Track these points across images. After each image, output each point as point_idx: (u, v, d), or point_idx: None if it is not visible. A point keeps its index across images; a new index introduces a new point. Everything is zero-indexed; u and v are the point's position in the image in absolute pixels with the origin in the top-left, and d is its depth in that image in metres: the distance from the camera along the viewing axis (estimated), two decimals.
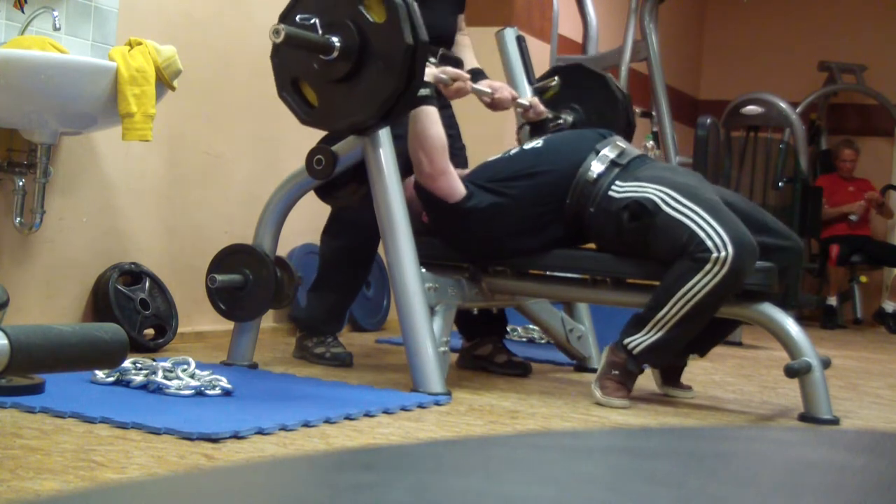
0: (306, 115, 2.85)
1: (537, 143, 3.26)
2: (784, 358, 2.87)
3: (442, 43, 3.63)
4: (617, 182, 3.02)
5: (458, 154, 3.96)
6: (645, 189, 2.96)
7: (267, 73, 2.93)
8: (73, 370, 1.60)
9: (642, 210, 2.92)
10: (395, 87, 2.72)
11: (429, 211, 3.17)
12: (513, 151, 3.30)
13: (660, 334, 2.86)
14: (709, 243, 2.79)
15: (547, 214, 3.10)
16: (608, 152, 3.09)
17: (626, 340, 2.92)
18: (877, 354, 5.56)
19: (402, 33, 2.70)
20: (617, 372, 2.92)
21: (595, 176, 3.05)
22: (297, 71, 2.84)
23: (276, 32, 2.64)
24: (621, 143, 3.15)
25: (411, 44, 2.70)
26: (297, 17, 2.77)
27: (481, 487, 0.39)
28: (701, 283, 2.79)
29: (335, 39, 2.74)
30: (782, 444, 0.50)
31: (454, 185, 3.09)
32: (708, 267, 2.78)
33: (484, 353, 3.57)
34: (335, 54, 2.74)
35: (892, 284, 7.48)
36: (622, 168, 3.05)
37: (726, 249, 2.77)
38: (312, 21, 2.76)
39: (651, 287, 3.16)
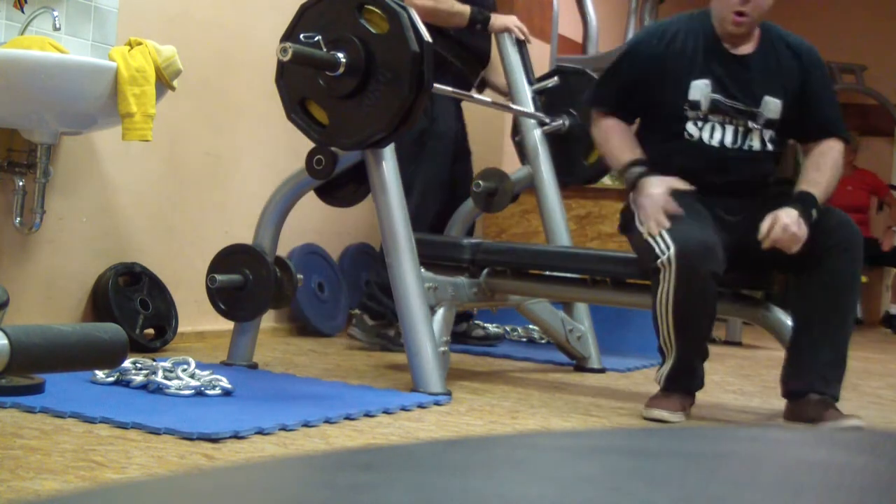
0: (318, 134, 2.85)
1: None
2: (784, 358, 2.87)
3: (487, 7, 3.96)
4: None
5: (464, 159, 4.06)
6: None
7: (267, 73, 2.93)
8: (73, 370, 1.60)
9: (624, 222, 2.90)
10: (404, 98, 2.71)
11: None
12: None
13: (672, 356, 2.76)
14: (656, 250, 2.69)
15: None
16: None
17: (657, 373, 2.84)
18: (877, 354, 5.56)
19: (407, 42, 2.69)
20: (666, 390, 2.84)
21: None
22: (304, 91, 2.83)
23: (284, 51, 2.64)
24: None
25: (417, 51, 2.69)
26: (301, 36, 2.76)
27: (481, 487, 0.39)
28: (662, 293, 2.68)
29: (340, 55, 2.74)
30: (782, 444, 0.50)
31: None
32: (660, 275, 2.67)
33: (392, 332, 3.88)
34: (341, 70, 2.74)
35: (893, 285, 7.48)
36: None
37: (668, 250, 2.65)
38: (316, 39, 2.75)
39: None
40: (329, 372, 3.21)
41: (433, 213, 3.96)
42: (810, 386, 2.74)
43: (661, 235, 2.69)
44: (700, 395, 3.36)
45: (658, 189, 2.74)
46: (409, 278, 2.87)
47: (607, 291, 3.18)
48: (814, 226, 2.70)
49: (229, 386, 2.59)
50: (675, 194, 2.76)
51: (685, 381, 2.81)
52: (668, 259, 2.65)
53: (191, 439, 2.08)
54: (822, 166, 2.84)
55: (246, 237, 3.24)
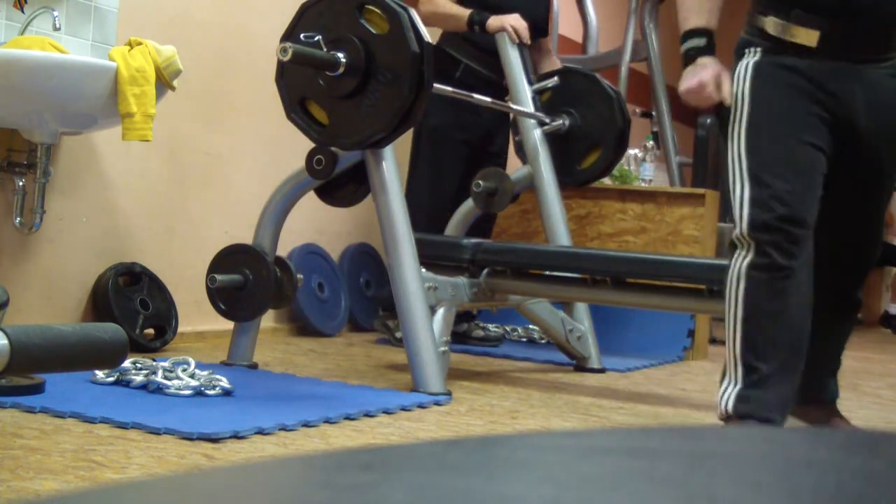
0: (318, 134, 2.85)
1: None
2: None
3: (534, 29, 3.96)
4: None
5: (496, 158, 4.08)
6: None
7: (267, 74, 2.93)
8: (73, 370, 1.60)
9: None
10: (404, 98, 2.71)
11: None
12: None
13: (739, 369, 2.20)
14: (736, 216, 2.20)
15: None
16: None
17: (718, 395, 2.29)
18: (877, 354, 5.56)
19: (407, 42, 2.69)
20: None
21: None
22: (304, 91, 2.84)
23: (284, 51, 2.64)
24: None
25: (417, 52, 2.70)
26: (301, 36, 2.76)
27: (481, 487, 0.39)
28: (732, 276, 2.18)
29: (340, 55, 2.74)
30: (782, 444, 0.50)
31: None
32: (736, 252, 2.18)
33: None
34: (341, 70, 2.74)
35: (893, 284, 7.47)
36: None
37: (742, 223, 2.17)
38: (316, 39, 2.75)
39: (652, 287, 3.15)
40: (329, 372, 3.21)
41: (435, 216, 3.96)
42: (812, 397, 2.70)
43: (742, 194, 2.19)
44: (700, 395, 3.36)
45: (708, 74, 2.31)
46: (409, 278, 2.87)
47: (607, 291, 3.18)
48: (836, 230, 2.40)
49: (229, 386, 2.59)
50: (787, 123, 2.25)
51: (759, 407, 2.21)
52: (742, 234, 2.17)
53: (191, 439, 2.08)
54: None
55: (246, 237, 3.24)
